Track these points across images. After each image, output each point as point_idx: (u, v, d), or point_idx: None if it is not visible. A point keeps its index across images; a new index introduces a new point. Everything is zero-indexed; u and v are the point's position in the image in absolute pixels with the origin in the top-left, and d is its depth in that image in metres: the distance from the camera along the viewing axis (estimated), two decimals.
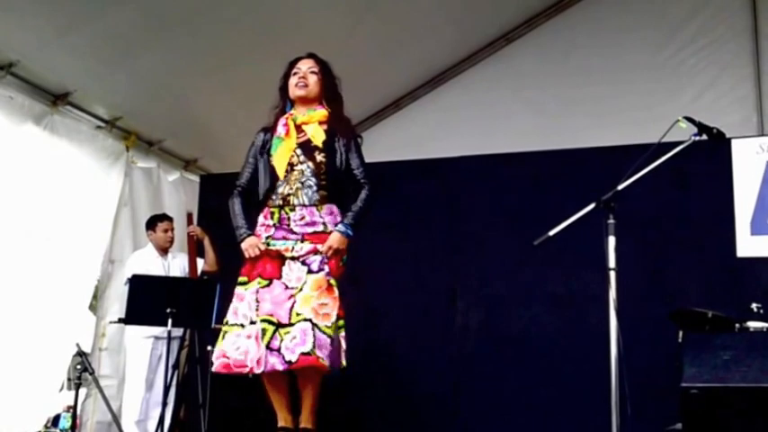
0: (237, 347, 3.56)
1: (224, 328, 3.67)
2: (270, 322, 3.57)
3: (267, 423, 3.80)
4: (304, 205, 3.70)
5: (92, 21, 4.83)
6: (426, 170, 6.02)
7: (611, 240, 3.32)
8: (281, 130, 3.81)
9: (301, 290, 3.60)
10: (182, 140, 6.46)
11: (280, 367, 3.50)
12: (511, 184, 5.75)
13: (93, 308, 6.14)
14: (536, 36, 6.89)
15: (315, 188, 3.71)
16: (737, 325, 4.18)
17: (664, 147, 3.50)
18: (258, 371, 3.53)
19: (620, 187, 3.36)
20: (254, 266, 3.71)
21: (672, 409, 3.64)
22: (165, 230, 5.71)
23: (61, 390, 6.16)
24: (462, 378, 5.54)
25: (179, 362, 5.29)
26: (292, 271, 3.66)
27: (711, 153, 4.95)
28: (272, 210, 3.76)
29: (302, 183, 3.72)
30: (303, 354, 3.46)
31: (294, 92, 3.84)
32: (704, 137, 3.55)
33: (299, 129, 3.81)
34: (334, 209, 3.77)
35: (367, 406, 5.53)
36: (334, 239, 3.67)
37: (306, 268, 3.64)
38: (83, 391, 5.09)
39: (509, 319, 5.54)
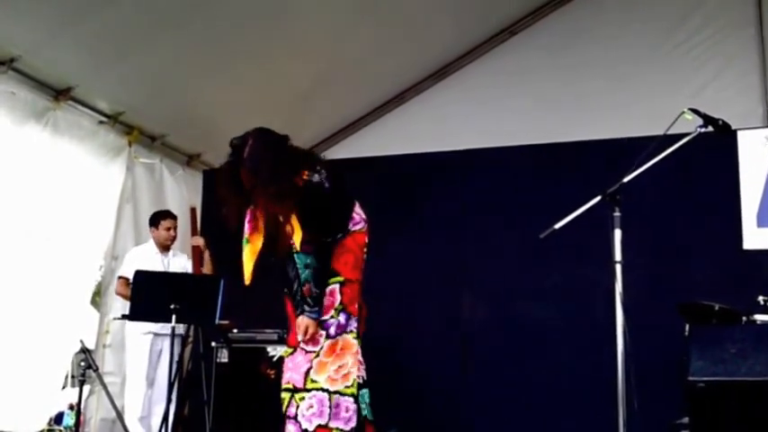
0: None
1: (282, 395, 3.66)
2: (287, 390, 3.61)
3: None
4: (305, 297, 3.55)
5: (94, 15, 4.81)
6: (430, 164, 6.00)
7: (617, 233, 3.30)
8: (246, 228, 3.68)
9: (318, 355, 3.57)
10: (184, 135, 6.44)
11: None
12: (515, 177, 5.74)
13: (96, 304, 6.12)
14: (540, 28, 6.85)
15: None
16: (744, 318, 4.17)
17: (669, 139, 3.48)
18: None
19: (625, 180, 3.35)
20: (295, 334, 3.63)
21: (678, 402, 3.62)
22: (168, 228, 5.65)
23: (64, 387, 6.15)
24: (467, 372, 5.53)
25: (182, 359, 5.27)
26: None
27: (717, 145, 4.93)
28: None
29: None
30: (320, 426, 3.49)
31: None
32: (710, 128, 3.52)
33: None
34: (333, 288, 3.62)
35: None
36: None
37: (324, 333, 3.59)
38: (86, 388, 5.07)
39: (514, 313, 5.53)
